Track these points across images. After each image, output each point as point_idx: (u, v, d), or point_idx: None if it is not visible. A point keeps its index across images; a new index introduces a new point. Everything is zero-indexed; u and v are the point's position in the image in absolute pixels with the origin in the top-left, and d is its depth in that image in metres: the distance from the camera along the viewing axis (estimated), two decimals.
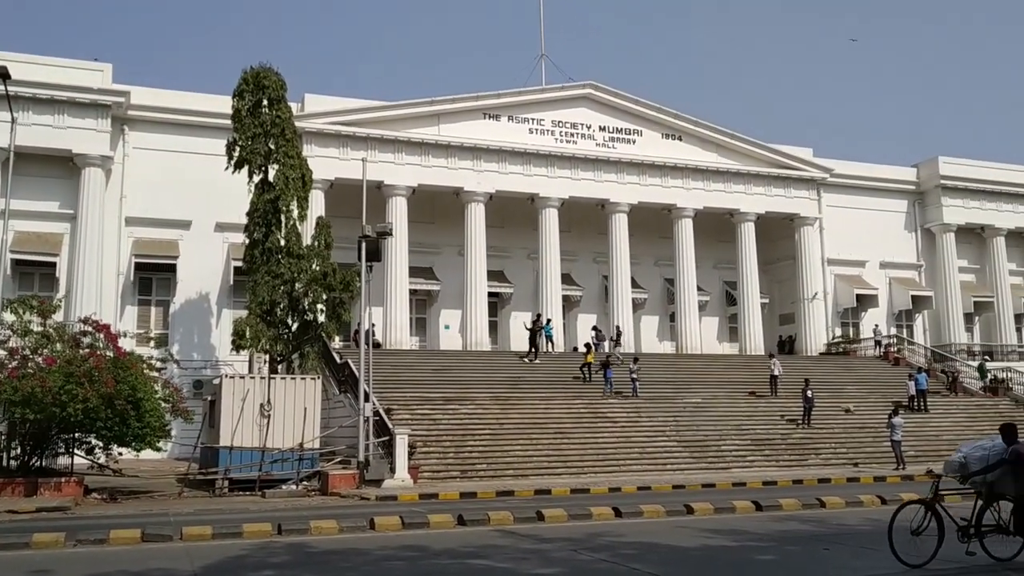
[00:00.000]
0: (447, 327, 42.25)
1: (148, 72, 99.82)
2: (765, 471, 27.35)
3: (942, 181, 48.16)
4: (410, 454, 23.58)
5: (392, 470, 23.00)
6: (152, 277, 36.47)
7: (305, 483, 23.04)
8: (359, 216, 40.37)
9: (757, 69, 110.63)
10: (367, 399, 23.67)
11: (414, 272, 40.41)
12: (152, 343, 24.44)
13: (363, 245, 23.90)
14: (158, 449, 22.28)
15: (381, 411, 24.69)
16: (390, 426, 23.78)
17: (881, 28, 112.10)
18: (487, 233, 40.57)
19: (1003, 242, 49.61)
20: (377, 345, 38.37)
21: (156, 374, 22.37)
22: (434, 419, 27.94)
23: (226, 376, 23.91)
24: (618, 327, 40.65)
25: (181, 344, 35.95)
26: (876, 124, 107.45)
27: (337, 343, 40.87)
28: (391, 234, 23.53)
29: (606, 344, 39.70)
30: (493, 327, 42.83)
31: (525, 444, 27.20)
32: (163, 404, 21.70)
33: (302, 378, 24.51)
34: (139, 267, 35.62)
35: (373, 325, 38.27)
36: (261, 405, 23.19)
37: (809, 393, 31.99)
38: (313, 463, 23.64)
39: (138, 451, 21.41)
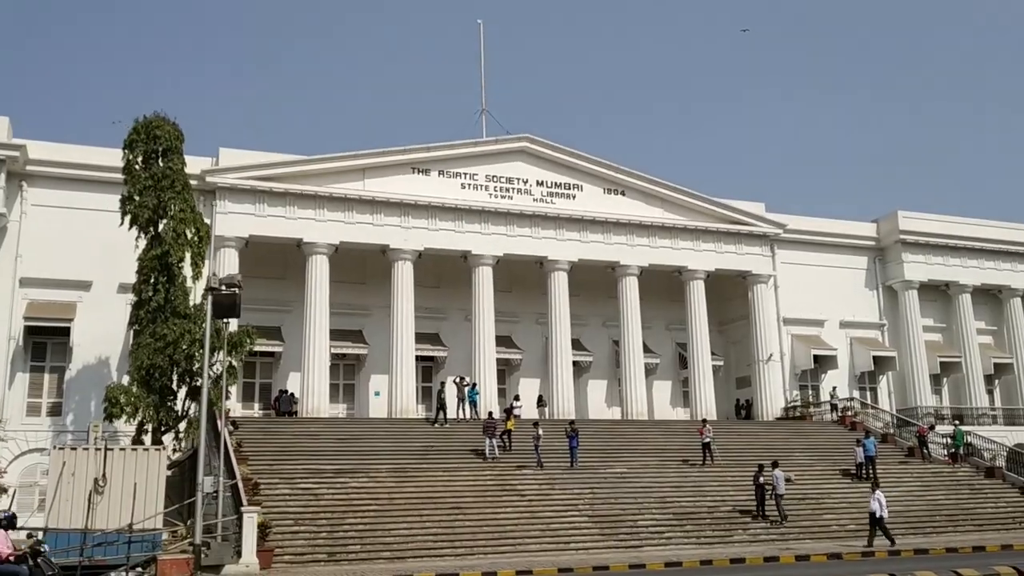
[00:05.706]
0: (376, 393, 39.70)
1: (55, 127, 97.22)
2: (680, 549, 24.64)
3: (902, 236, 45.88)
4: (264, 534, 20.98)
5: (239, 554, 20.38)
6: (47, 342, 34.12)
7: (139, 569, 20.38)
8: (280, 276, 38.96)
9: (708, 123, 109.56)
10: (208, 472, 21.14)
11: (341, 335, 38.26)
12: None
13: (209, 299, 21.54)
14: None
15: (240, 485, 22.15)
16: (244, 502, 21.23)
17: (833, 81, 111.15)
18: (421, 293, 38.44)
19: (969, 299, 47.04)
20: (293, 413, 36.16)
21: None
22: (316, 493, 25.33)
23: (55, 448, 21.45)
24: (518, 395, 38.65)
25: (76, 413, 33.47)
26: (832, 180, 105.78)
27: (256, 411, 38.67)
28: (240, 287, 21.28)
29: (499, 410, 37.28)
30: (427, 393, 40.36)
31: (412, 521, 24.48)
32: None
33: (144, 449, 22.05)
34: (32, 331, 33.35)
35: (286, 391, 36.44)
36: (96, 480, 20.69)
37: (761, 480, 28.30)
38: (155, 546, 21.00)
39: None
